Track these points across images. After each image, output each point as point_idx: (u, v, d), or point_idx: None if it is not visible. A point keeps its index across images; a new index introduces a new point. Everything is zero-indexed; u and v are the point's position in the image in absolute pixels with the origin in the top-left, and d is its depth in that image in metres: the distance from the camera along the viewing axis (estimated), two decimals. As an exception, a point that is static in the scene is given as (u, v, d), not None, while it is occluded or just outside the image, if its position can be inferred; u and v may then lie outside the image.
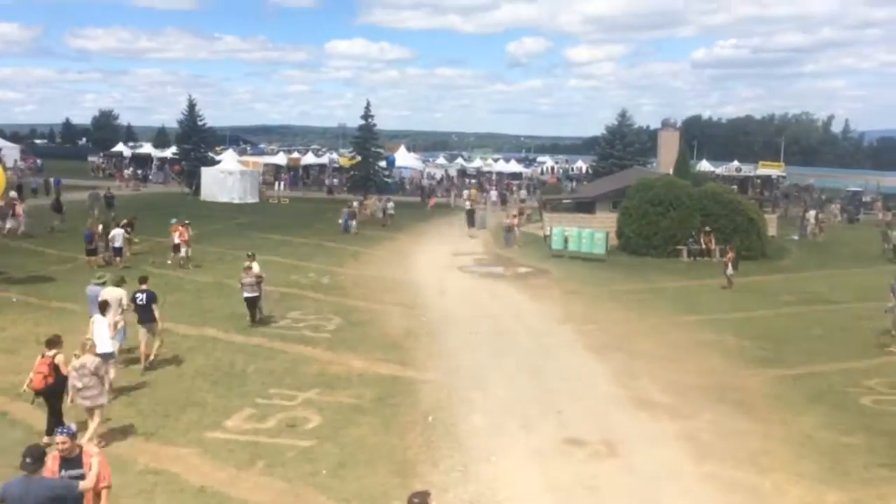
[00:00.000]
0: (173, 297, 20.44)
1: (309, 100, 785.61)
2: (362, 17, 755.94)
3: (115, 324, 13.74)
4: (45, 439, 10.56)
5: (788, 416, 13.47)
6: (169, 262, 26.34)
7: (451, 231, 40.69)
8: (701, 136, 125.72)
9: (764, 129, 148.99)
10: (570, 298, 23.58)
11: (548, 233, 34.70)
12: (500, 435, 12.30)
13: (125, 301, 14.55)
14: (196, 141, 59.13)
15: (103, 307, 13.63)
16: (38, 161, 71.59)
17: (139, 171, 67.00)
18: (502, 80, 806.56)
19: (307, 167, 75.66)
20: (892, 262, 33.17)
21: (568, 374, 15.75)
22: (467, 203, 46.07)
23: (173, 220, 28.19)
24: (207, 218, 38.80)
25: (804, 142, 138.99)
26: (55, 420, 10.93)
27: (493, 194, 56.42)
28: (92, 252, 25.58)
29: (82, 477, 7.25)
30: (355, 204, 42.59)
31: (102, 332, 12.91)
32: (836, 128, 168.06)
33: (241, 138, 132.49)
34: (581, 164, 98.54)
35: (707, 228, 31.89)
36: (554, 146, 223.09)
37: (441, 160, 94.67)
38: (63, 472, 7.23)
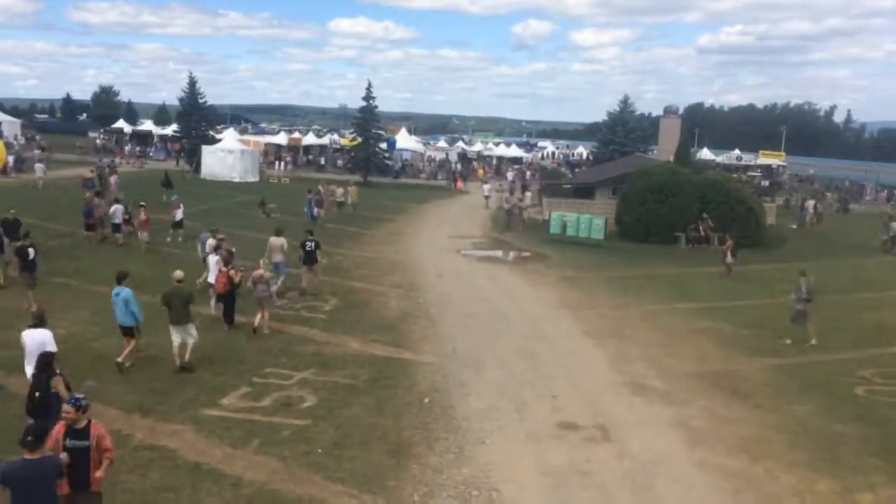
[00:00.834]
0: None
1: (311, 79, 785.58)
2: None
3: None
4: (226, 328, 16.30)
5: (782, 405, 13.53)
6: (168, 238, 26.33)
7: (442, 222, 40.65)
8: (703, 123, 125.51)
9: (766, 118, 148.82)
10: (567, 283, 23.60)
11: (547, 217, 34.71)
12: (495, 418, 12.35)
13: (286, 246, 20.12)
14: (197, 119, 58.99)
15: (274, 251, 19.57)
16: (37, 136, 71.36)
17: (138, 149, 66.86)
18: (506, 63, 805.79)
19: (308, 147, 75.58)
20: (889, 252, 33.23)
21: (564, 358, 15.79)
22: (505, 205, 38.11)
23: (174, 197, 28.06)
24: (208, 196, 38.68)
25: (806, 131, 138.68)
26: (229, 314, 16.40)
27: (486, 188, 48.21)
28: (91, 227, 25.51)
29: (87, 448, 7.27)
30: (321, 189, 38.71)
31: (278, 255, 19.66)
32: (838, 118, 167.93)
33: (242, 117, 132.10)
34: (582, 150, 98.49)
35: (704, 215, 31.89)
36: (555, 131, 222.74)
37: (442, 143, 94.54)
38: (68, 442, 7.27)
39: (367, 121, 59.44)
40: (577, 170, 65.51)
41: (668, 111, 58.27)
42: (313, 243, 20.00)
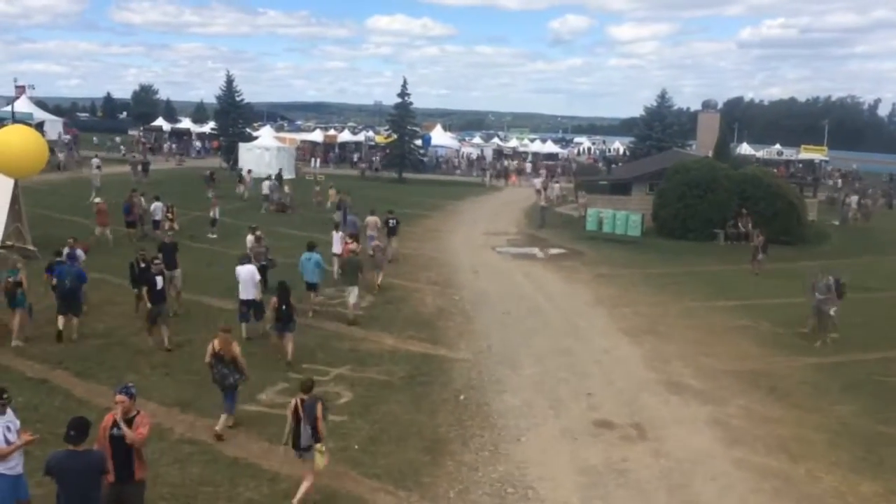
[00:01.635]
0: (210, 271, 20.77)
1: (347, 77, 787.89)
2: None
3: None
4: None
5: (823, 404, 13.32)
6: (209, 235, 26.78)
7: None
8: (742, 118, 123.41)
9: (808, 112, 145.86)
10: (603, 280, 23.46)
11: (582, 214, 34.50)
12: (530, 415, 12.35)
13: (380, 224, 24.40)
14: (234, 117, 59.66)
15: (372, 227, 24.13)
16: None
17: (174, 147, 67.80)
18: (543, 59, 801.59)
19: (343, 144, 75.99)
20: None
21: (599, 356, 15.72)
22: (542, 201, 38.30)
23: (210, 194, 28.39)
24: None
25: (849, 125, 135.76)
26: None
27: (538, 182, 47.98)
28: (131, 224, 25.94)
29: (122, 435, 7.40)
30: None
31: (373, 231, 23.89)
32: (883, 112, 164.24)
33: (278, 115, 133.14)
34: (618, 146, 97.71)
35: (743, 210, 31.44)
36: (591, 127, 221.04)
37: (477, 139, 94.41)
38: (115, 431, 7.42)
39: (403, 117, 59.58)
40: (613, 165, 64.97)
41: (707, 106, 57.59)
42: (395, 220, 24.95)
